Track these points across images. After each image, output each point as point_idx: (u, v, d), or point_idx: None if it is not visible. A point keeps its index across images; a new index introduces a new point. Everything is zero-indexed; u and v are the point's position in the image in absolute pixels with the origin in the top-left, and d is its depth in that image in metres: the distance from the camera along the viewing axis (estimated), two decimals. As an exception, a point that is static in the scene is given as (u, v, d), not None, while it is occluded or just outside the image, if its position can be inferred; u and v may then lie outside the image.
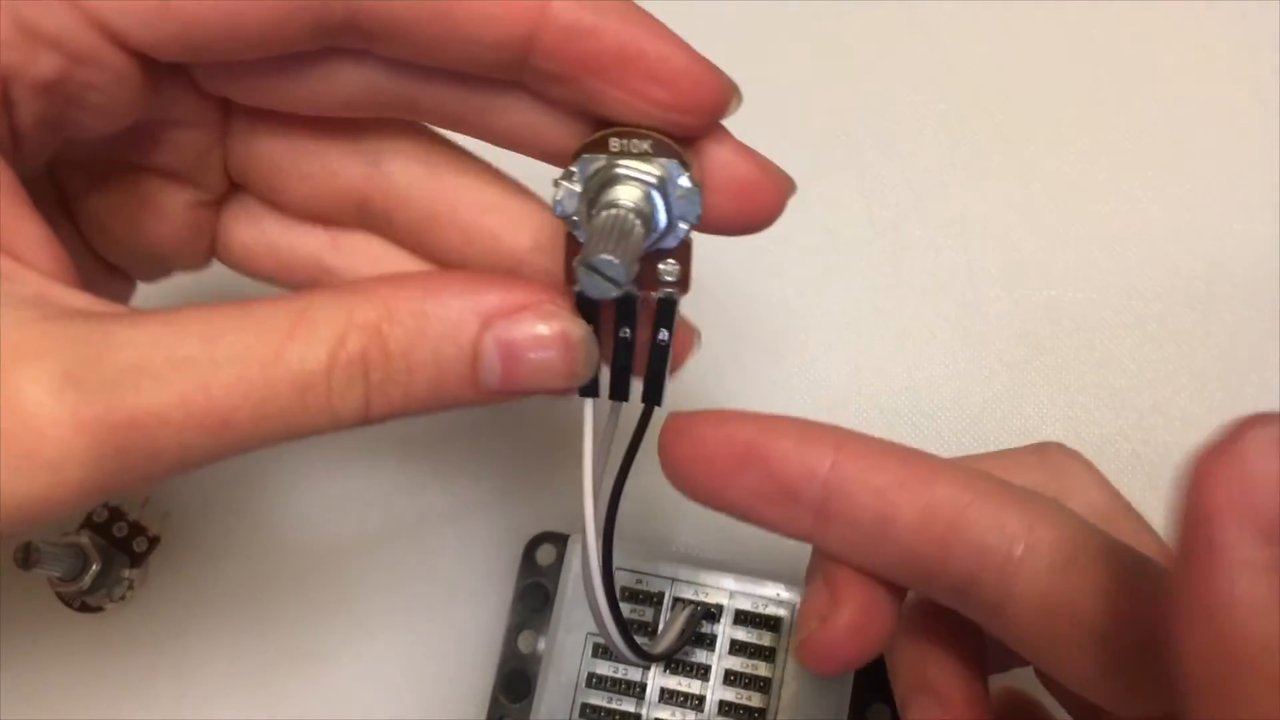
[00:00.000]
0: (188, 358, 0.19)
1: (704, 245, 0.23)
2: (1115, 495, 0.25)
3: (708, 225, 0.22)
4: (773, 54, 0.41)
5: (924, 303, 0.37)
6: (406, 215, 0.25)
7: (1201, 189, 0.38)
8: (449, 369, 0.20)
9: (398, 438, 0.37)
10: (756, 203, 0.22)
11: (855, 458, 0.22)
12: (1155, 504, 0.34)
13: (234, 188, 0.26)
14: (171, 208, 0.25)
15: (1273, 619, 0.14)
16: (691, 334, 0.25)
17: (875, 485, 0.21)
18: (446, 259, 0.25)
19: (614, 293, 0.20)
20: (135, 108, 0.22)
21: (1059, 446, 0.25)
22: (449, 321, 0.20)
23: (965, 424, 0.36)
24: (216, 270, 0.27)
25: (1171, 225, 0.38)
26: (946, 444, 0.36)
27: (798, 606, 0.27)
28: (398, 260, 0.26)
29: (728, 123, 0.22)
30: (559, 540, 0.34)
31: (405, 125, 0.25)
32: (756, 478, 0.22)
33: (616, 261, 0.20)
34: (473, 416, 0.37)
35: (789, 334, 0.38)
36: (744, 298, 0.38)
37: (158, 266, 0.27)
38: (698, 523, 0.35)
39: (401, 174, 0.24)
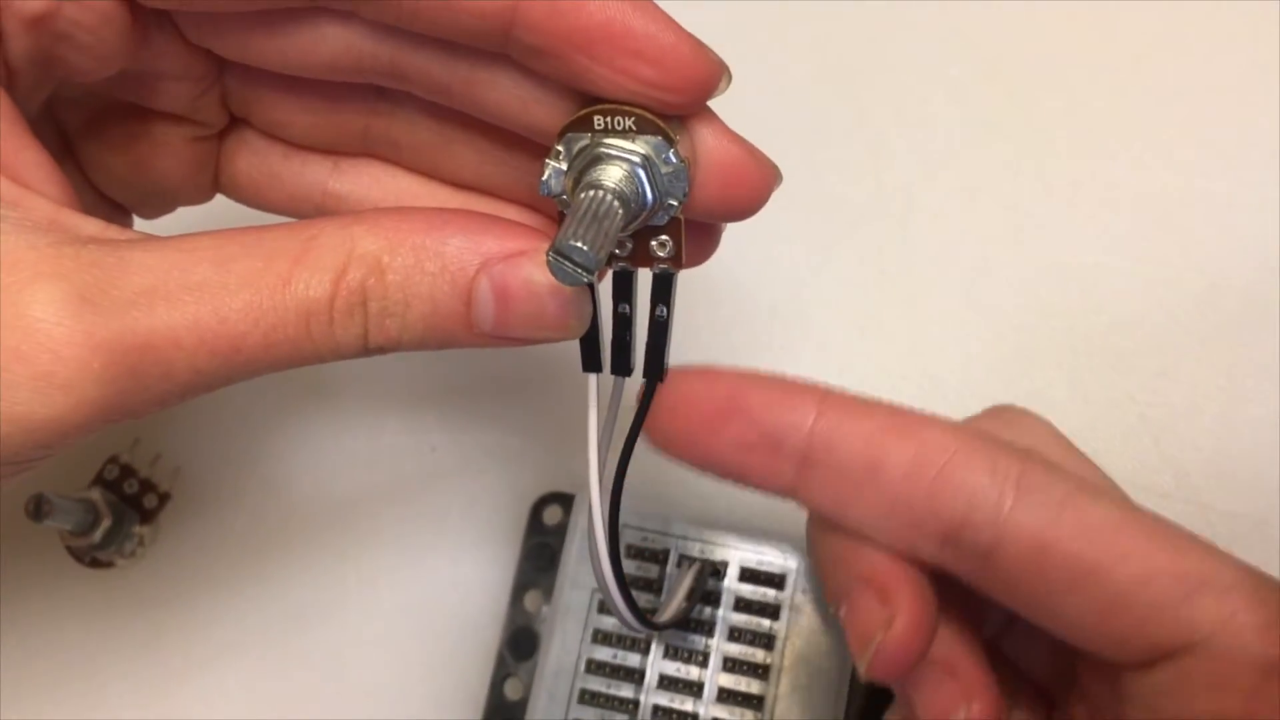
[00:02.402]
0: (201, 282, 0.19)
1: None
2: (1070, 447, 0.25)
3: (692, 210, 0.22)
4: (782, 19, 0.41)
5: (931, 266, 0.37)
6: (413, 139, 0.25)
7: (1215, 154, 0.38)
8: (444, 306, 0.20)
9: (405, 396, 0.37)
10: (742, 188, 0.22)
11: (842, 407, 0.22)
12: (1160, 464, 0.35)
13: (235, 120, 0.26)
14: (172, 143, 0.25)
15: None
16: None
17: (864, 432, 0.22)
18: (458, 179, 0.25)
19: (585, 279, 0.19)
20: (123, 52, 0.22)
21: (1013, 407, 0.26)
22: (447, 258, 0.20)
23: (972, 387, 0.36)
24: (219, 206, 0.27)
25: (1183, 190, 0.37)
26: (952, 407, 0.35)
27: (797, 570, 0.28)
28: (404, 183, 0.26)
29: (738, 95, 0.22)
30: (565, 501, 0.34)
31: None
32: (739, 427, 0.22)
33: (585, 248, 0.19)
34: (481, 375, 0.37)
35: (796, 298, 0.38)
36: (751, 263, 0.38)
37: (162, 202, 0.27)
38: (704, 483, 0.35)
39: (409, 97, 0.24)
